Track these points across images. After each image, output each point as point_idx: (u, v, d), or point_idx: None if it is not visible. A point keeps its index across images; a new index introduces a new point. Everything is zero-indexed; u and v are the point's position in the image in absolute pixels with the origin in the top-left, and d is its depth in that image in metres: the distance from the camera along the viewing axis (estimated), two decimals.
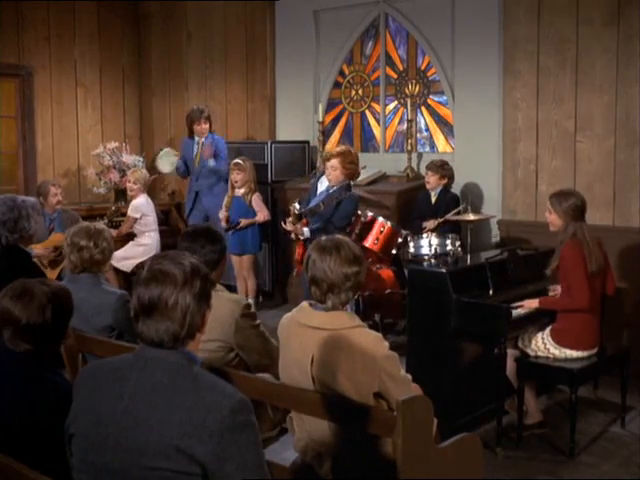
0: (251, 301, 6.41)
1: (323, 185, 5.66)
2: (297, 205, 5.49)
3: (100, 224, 3.86)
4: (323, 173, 5.75)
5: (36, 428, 2.28)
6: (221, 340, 3.03)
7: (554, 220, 4.21)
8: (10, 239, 3.82)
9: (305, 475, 2.73)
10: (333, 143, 7.44)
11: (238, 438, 1.79)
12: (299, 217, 5.45)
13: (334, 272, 2.62)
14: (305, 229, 5.38)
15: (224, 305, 3.01)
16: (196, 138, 7.04)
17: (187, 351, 1.94)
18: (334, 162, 5.42)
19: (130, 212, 7.00)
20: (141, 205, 6.99)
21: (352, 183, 5.56)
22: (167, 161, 7.13)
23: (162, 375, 1.87)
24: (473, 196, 5.81)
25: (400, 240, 5.76)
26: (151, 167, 7.64)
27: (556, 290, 4.35)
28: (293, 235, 5.56)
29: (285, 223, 5.56)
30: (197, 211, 7.04)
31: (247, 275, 6.62)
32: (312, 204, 5.52)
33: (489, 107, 6.14)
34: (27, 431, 2.28)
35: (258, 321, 3.18)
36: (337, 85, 7.50)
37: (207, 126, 6.99)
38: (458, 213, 5.56)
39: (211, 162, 6.87)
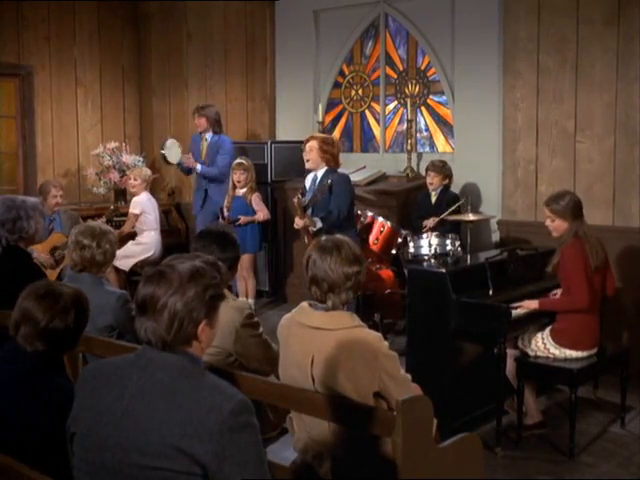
0: (251, 301, 6.43)
1: (309, 180, 5.65)
2: (302, 197, 5.40)
3: (106, 226, 3.85)
4: (309, 171, 5.78)
5: (39, 429, 2.28)
6: (220, 347, 3.01)
7: (559, 225, 4.17)
8: (10, 240, 3.81)
9: (305, 475, 2.73)
10: None
11: (239, 439, 1.78)
12: (304, 209, 5.43)
13: (335, 272, 2.62)
14: (316, 220, 5.30)
15: (226, 312, 2.97)
16: (203, 135, 7.03)
17: (189, 352, 1.92)
18: (312, 143, 5.41)
19: (130, 208, 7.01)
20: (141, 201, 7.00)
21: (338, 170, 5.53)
22: (174, 152, 7.04)
23: (163, 375, 1.86)
24: (473, 196, 5.81)
25: (400, 240, 5.76)
26: (151, 163, 7.61)
27: (557, 294, 4.35)
28: (303, 229, 5.49)
29: (296, 223, 5.47)
30: (206, 209, 6.98)
31: (247, 275, 6.61)
32: (307, 198, 5.52)
33: (489, 107, 6.14)
34: (31, 432, 2.27)
35: (260, 329, 3.15)
36: (337, 85, 7.50)
37: (201, 121, 6.95)
38: (458, 209, 5.56)
39: (198, 167, 6.86)
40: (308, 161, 5.46)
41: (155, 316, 1.87)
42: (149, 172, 7.32)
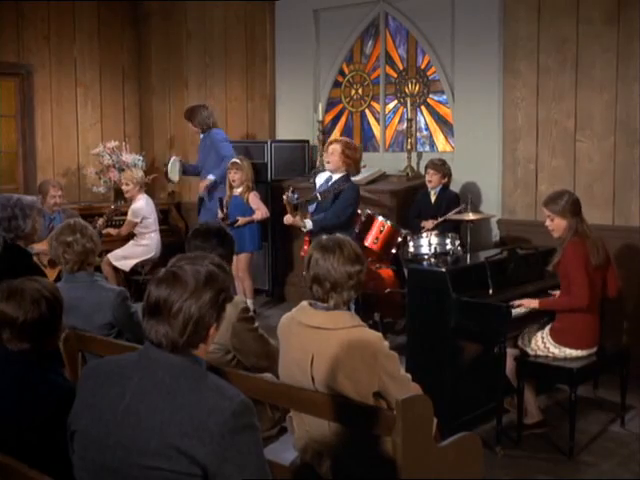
0: (250, 301, 6.42)
1: (321, 178, 5.63)
2: (290, 194, 5.37)
3: (77, 218, 3.88)
4: (320, 170, 5.76)
5: (37, 428, 2.28)
6: (218, 343, 3.02)
7: (558, 224, 4.16)
8: (7, 239, 3.81)
9: (305, 474, 2.73)
10: None
11: (239, 440, 1.78)
12: (295, 207, 5.40)
13: (337, 271, 2.63)
14: (307, 221, 5.30)
15: None
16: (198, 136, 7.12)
17: (193, 353, 1.92)
18: (335, 146, 5.40)
19: (130, 216, 6.96)
20: (141, 209, 6.96)
21: (352, 177, 5.51)
22: (176, 170, 7.14)
23: (165, 375, 1.86)
24: (473, 195, 5.80)
25: (400, 239, 5.76)
26: (151, 162, 7.71)
27: (556, 294, 4.35)
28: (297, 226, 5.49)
29: (286, 219, 5.48)
30: (204, 209, 7.02)
31: (243, 276, 6.57)
32: (297, 196, 5.48)
33: (489, 106, 6.14)
34: (28, 431, 2.27)
35: (256, 324, 3.18)
36: (337, 84, 7.50)
37: (191, 124, 7.04)
38: (459, 213, 5.56)
39: (210, 177, 6.88)
40: (329, 163, 5.42)
41: (169, 320, 1.87)
42: (140, 173, 7.26)
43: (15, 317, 2.40)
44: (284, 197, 5.42)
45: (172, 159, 7.17)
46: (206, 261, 1.98)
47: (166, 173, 7.12)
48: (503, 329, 4.05)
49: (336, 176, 5.43)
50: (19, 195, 4.13)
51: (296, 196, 5.39)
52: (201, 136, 7.04)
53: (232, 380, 2.52)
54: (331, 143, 5.47)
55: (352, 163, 5.41)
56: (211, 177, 6.87)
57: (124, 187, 7.10)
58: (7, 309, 2.41)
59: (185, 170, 7.23)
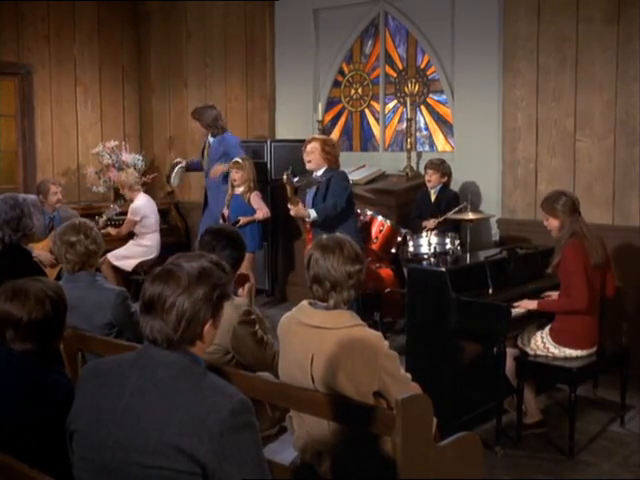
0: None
1: None
2: (291, 174, 5.32)
3: (82, 218, 3.88)
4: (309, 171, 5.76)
5: (40, 428, 2.27)
6: (217, 344, 3.02)
7: (551, 223, 4.19)
8: (14, 238, 3.81)
9: (305, 474, 2.73)
10: None
11: (238, 439, 1.78)
12: (295, 190, 5.38)
13: (337, 270, 2.63)
14: (311, 210, 5.28)
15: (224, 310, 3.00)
16: (205, 137, 7.05)
17: (191, 352, 1.92)
18: (314, 144, 5.40)
19: (130, 215, 6.96)
20: (141, 207, 6.97)
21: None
22: (178, 177, 7.12)
23: (164, 374, 1.86)
24: (473, 195, 5.81)
25: (400, 239, 5.76)
26: (151, 161, 7.72)
27: (551, 296, 4.35)
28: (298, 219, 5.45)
29: (290, 207, 5.39)
30: (208, 211, 7.02)
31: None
32: (308, 197, 5.47)
33: (489, 106, 6.14)
34: (30, 430, 2.27)
35: (257, 327, 3.17)
36: (337, 84, 7.50)
37: (197, 125, 6.95)
38: (459, 211, 5.56)
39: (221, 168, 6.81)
40: (310, 162, 5.43)
41: (163, 315, 1.87)
42: (132, 176, 7.20)
43: (19, 317, 2.40)
44: (284, 177, 5.36)
45: (178, 167, 7.06)
46: (203, 259, 1.98)
47: (168, 178, 7.10)
48: (503, 329, 4.04)
49: (320, 173, 5.44)
50: (23, 194, 4.13)
51: (296, 179, 5.37)
52: (211, 139, 6.92)
53: (232, 380, 2.52)
54: (310, 142, 5.46)
55: (333, 159, 5.43)
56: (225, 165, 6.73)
57: (123, 191, 7.15)
58: (11, 309, 2.41)
59: (189, 166, 7.14)
